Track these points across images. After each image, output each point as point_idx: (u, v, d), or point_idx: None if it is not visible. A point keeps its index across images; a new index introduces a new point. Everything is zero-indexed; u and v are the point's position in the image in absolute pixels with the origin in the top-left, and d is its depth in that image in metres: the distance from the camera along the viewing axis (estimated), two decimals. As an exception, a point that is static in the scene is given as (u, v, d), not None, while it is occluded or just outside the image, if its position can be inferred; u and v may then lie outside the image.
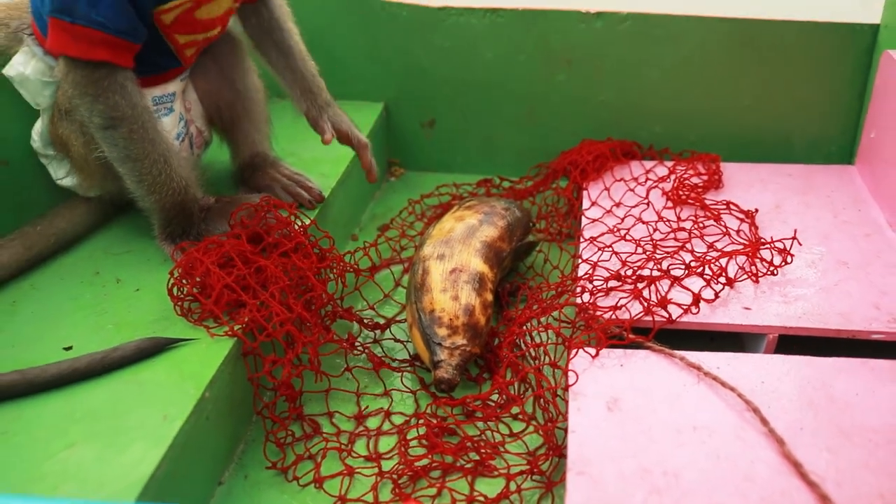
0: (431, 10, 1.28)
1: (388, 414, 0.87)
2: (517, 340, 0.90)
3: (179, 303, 0.84)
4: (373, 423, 0.86)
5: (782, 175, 1.20)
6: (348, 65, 1.34)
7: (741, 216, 1.06)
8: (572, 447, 0.72)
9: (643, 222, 1.07)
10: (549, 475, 0.77)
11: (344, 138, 1.04)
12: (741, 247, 0.99)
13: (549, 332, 0.89)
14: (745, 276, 0.93)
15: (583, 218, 1.11)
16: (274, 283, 0.85)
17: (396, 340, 0.98)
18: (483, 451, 0.79)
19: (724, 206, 1.08)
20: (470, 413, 0.86)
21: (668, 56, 1.25)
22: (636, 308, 0.88)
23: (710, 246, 1.00)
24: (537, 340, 0.88)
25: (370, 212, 1.29)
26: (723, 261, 0.94)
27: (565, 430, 0.76)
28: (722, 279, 0.92)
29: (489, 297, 0.93)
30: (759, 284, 0.93)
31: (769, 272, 0.94)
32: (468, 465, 0.79)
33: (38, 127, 0.95)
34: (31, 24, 0.89)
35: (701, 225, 1.05)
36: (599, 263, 0.98)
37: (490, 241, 0.98)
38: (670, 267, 0.94)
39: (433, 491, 0.77)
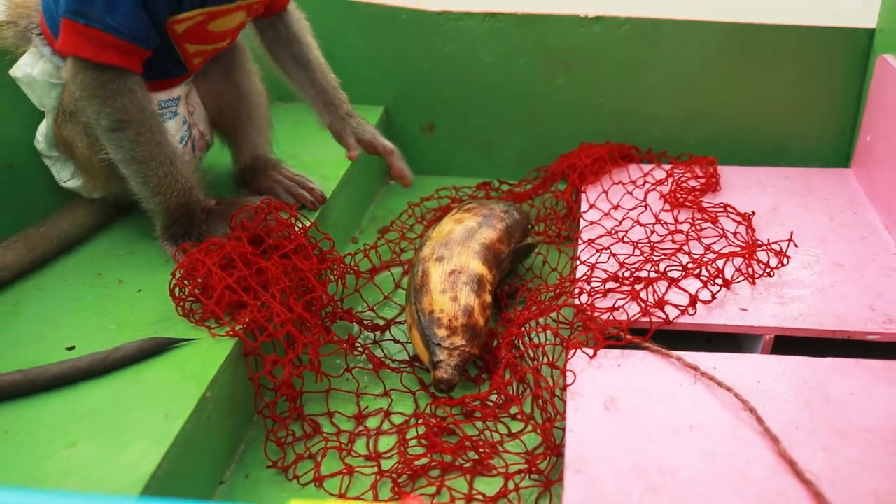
0: (431, 15, 1.29)
1: (387, 414, 0.87)
2: (516, 341, 0.91)
3: (181, 303, 0.85)
4: (372, 422, 0.87)
5: (779, 178, 1.21)
6: (348, 68, 1.34)
7: (738, 219, 1.07)
8: (570, 446, 0.73)
9: (641, 225, 1.08)
10: (547, 474, 0.78)
11: (370, 147, 1.05)
12: (738, 249, 0.99)
13: (548, 332, 0.90)
14: (742, 278, 0.94)
15: (581, 220, 1.12)
16: (275, 284, 0.86)
17: (396, 342, 0.99)
18: (482, 450, 0.80)
19: (722, 209, 1.09)
20: (469, 413, 0.86)
21: (666, 60, 1.26)
22: (634, 309, 0.89)
23: (708, 248, 1.00)
24: (536, 341, 0.89)
25: (370, 214, 1.30)
26: (720, 262, 0.95)
27: (563, 430, 0.77)
28: (719, 281, 0.93)
29: (488, 298, 0.94)
30: (756, 286, 0.93)
31: (766, 274, 0.95)
32: (467, 465, 0.80)
33: (43, 128, 0.96)
34: (40, 23, 0.90)
35: (698, 227, 1.05)
36: (597, 265, 0.99)
37: (489, 244, 0.99)
38: (668, 269, 0.95)
39: (432, 490, 0.77)
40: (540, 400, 0.83)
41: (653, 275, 0.94)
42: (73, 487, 0.65)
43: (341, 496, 0.77)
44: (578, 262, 1.01)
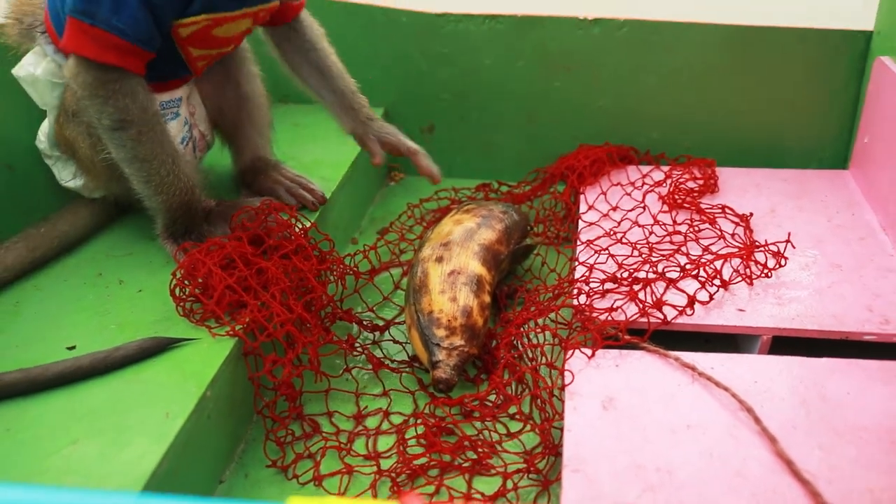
0: (431, 17, 1.30)
1: (386, 414, 0.88)
2: (514, 341, 0.91)
3: (181, 303, 0.85)
4: (372, 422, 0.87)
5: (777, 179, 1.21)
6: (348, 70, 1.34)
7: (736, 220, 1.08)
8: (568, 446, 0.73)
9: (639, 226, 1.09)
10: (546, 473, 0.78)
11: (393, 150, 1.05)
12: (736, 250, 1.00)
13: (546, 333, 0.90)
14: (740, 279, 0.94)
15: (580, 221, 1.12)
16: (275, 284, 0.86)
17: (395, 342, 0.99)
18: (480, 449, 0.80)
19: (720, 210, 1.09)
20: (468, 413, 0.86)
21: (665, 62, 1.26)
22: (632, 310, 0.89)
23: (706, 249, 1.01)
24: (534, 341, 0.90)
25: (370, 215, 1.30)
26: (718, 263, 0.95)
27: (561, 430, 0.77)
28: (717, 281, 0.93)
29: (487, 298, 0.94)
30: (754, 287, 0.94)
31: (763, 275, 0.95)
32: (466, 464, 0.80)
33: (45, 128, 0.96)
34: (44, 21, 0.90)
35: (696, 228, 1.06)
36: (596, 266, 0.99)
37: (488, 244, 0.99)
38: (666, 269, 0.95)
39: (431, 489, 0.77)
40: (538, 400, 0.83)
41: (651, 275, 0.94)
42: (73, 485, 0.65)
43: (340, 495, 0.77)
44: (577, 263, 1.02)
